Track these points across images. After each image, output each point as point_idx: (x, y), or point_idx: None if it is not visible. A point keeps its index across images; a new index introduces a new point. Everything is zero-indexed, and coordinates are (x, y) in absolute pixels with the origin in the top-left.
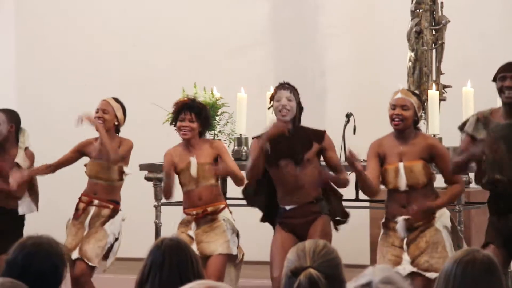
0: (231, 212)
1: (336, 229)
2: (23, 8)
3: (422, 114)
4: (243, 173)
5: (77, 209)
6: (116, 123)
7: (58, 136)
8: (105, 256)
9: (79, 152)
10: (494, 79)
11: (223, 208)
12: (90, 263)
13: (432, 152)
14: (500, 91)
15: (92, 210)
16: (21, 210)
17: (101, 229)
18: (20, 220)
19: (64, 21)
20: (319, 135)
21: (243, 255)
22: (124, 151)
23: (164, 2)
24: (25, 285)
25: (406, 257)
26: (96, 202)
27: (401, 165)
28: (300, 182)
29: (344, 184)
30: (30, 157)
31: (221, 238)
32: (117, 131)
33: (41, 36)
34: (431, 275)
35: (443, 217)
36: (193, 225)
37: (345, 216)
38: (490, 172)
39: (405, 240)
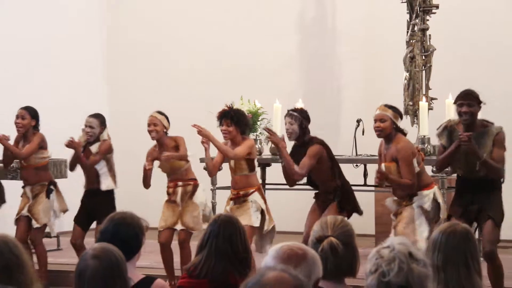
0: (263, 194)
1: (348, 217)
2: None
3: (415, 119)
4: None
5: (168, 193)
6: (165, 130)
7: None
8: (205, 220)
9: (153, 161)
10: (455, 103)
11: (253, 192)
12: (192, 232)
13: (397, 156)
14: (459, 114)
15: (180, 189)
16: (103, 186)
17: (191, 203)
18: (111, 197)
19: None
20: (308, 145)
21: (273, 226)
22: (183, 147)
23: (221, 38)
24: (115, 247)
25: (393, 225)
26: (180, 183)
27: (383, 165)
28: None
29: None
30: (103, 147)
31: (245, 213)
32: (166, 133)
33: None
34: None
35: (423, 199)
36: (231, 202)
37: (355, 210)
38: (454, 167)
39: (392, 213)
